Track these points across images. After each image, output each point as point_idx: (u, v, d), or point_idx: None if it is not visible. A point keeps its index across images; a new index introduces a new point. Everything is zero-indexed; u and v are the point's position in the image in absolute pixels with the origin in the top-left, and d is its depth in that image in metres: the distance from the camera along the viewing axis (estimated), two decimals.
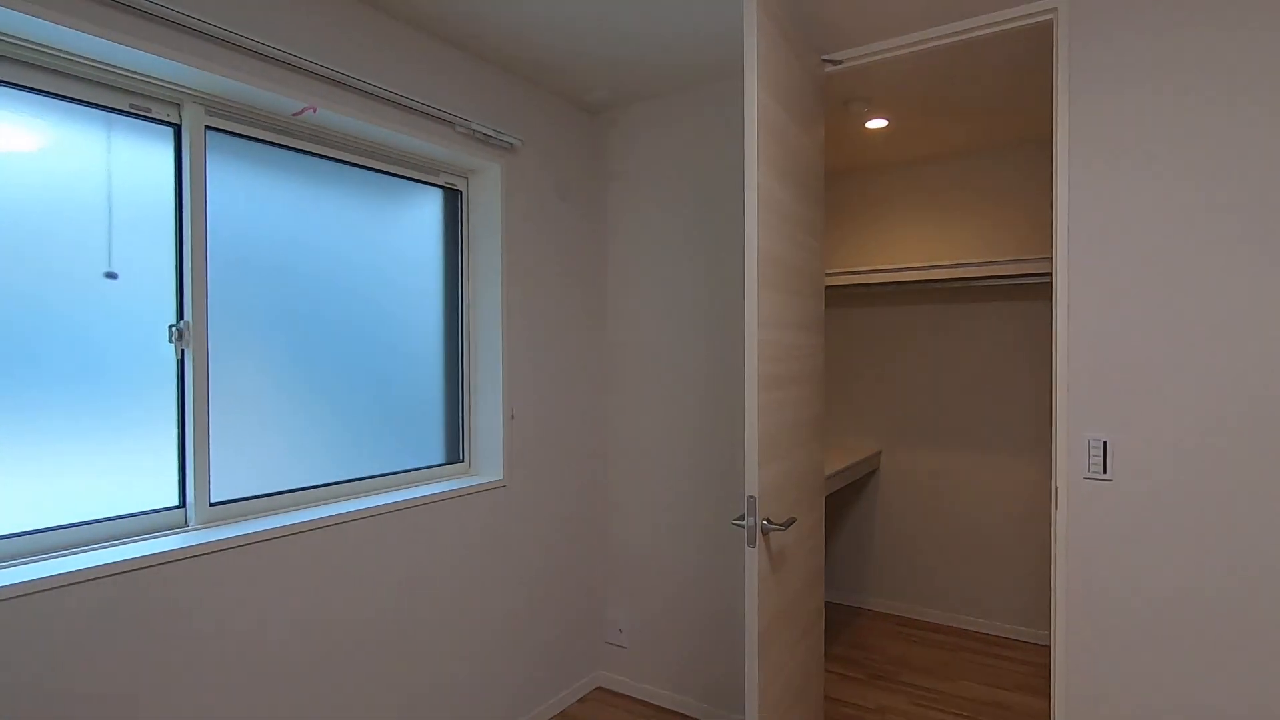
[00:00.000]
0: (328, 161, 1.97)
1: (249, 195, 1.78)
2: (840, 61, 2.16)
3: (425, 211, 2.26)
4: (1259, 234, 1.63)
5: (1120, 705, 1.79)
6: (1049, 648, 3.05)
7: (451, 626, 2.13)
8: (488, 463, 2.35)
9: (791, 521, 1.61)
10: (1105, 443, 1.80)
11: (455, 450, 2.36)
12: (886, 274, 3.31)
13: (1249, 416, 1.65)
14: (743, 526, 1.56)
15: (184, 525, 1.64)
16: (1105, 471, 1.80)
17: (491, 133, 2.20)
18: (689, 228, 2.51)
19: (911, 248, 3.50)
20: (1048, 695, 2.71)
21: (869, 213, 3.61)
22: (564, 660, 2.58)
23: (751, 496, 1.54)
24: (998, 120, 2.81)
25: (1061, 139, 1.85)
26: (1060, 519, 1.87)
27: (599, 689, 2.72)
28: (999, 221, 3.26)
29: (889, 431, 3.58)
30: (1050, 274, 2.94)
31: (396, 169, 2.15)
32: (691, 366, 2.51)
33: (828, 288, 3.57)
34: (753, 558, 1.55)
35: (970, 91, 2.48)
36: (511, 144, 2.31)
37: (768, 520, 1.59)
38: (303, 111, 1.77)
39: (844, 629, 3.37)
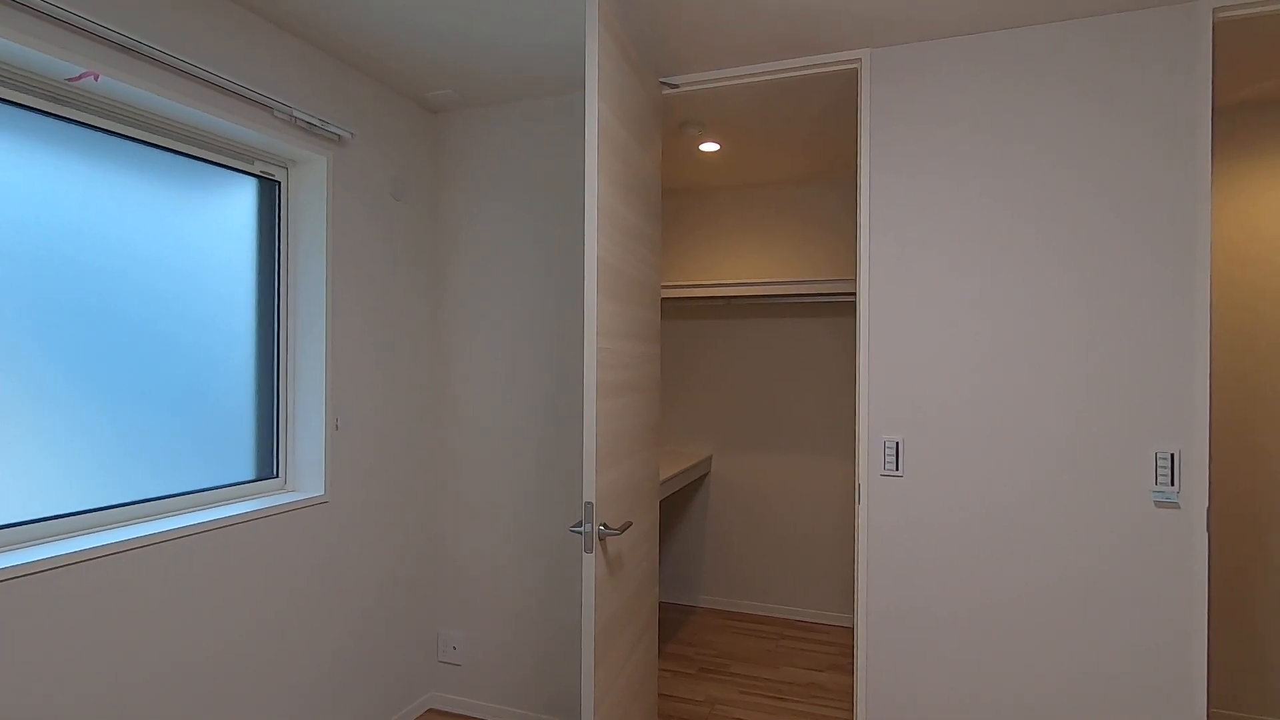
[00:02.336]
0: (117, 138, 1.72)
1: (7, 170, 1.51)
2: (677, 85, 2.27)
3: (237, 201, 2.05)
4: (1021, 260, 1.95)
5: (908, 670, 2.04)
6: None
7: (266, 662, 1.93)
8: (308, 477, 2.17)
9: (628, 526, 1.66)
10: (898, 443, 2.05)
11: (269, 465, 2.15)
12: (718, 289, 3.52)
13: (1004, 420, 1.95)
14: (580, 532, 1.58)
15: None
16: (898, 469, 2.05)
17: (317, 122, 2.05)
18: (532, 235, 2.50)
19: (742, 265, 3.75)
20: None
21: (703, 230, 3.83)
22: (393, 684, 2.44)
23: (589, 502, 1.56)
24: (817, 153, 3.11)
25: (864, 171, 2.09)
26: (862, 512, 2.09)
27: (431, 711, 2.60)
28: (819, 244, 3.60)
29: (720, 437, 3.80)
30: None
31: (203, 152, 1.93)
32: (534, 374, 2.50)
33: (664, 300, 3.72)
34: (590, 563, 1.57)
35: (793, 125, 2.73)
36: (340, 135, 2.17)
37: (604, 525, 1.62)
38: (81, 77, 1.54)
39: (677, 627, 3.51)
